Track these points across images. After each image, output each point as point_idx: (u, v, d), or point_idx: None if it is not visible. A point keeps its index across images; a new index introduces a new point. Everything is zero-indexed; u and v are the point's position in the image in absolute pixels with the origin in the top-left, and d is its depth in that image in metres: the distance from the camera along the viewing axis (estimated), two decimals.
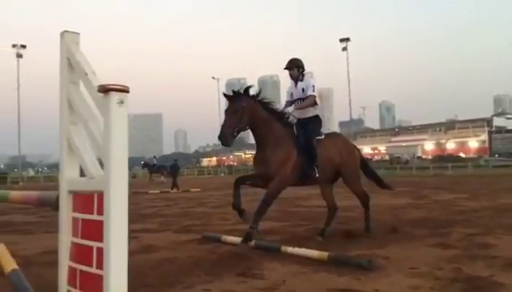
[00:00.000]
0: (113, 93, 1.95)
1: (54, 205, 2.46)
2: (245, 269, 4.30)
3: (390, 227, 6.43)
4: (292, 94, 5.93)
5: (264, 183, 5.40)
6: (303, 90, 5.74)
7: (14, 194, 3.43)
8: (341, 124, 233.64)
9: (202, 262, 4.64)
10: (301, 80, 5.79)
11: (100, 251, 2.02)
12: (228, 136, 4.97)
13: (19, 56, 52.72)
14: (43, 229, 8.16)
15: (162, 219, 9.33)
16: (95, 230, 2.07)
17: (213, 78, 74.67)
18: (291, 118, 5.62)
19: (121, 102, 1.98)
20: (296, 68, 5.77)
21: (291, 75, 5.79)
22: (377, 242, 5.49)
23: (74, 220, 2.29)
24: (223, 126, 5.02)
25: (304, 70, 5.81)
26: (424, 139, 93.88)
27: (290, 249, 4.93)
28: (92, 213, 2.12)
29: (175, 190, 20.76)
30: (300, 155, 5.41)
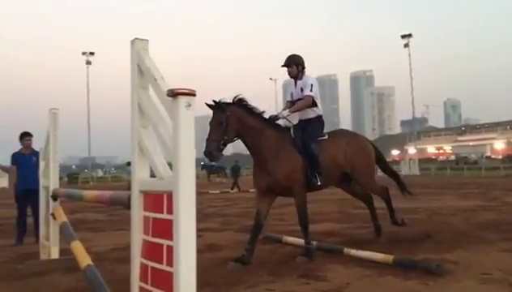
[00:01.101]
0: (181, 97, 2.02)
1: (126, 204, 2.59)
2: (307, 271, 4.28)
3: (459, 230, 6.13)
4: (292, 94, 5.53)
5: (275, 193, 5.15)
6: (301, 90, 5.28)
7: (88, 193, 3.65)
8: (403, 123, 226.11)
9: (264, 262, 4.68)
10: (300, 79, 5.32)
11: (169, 248, 2.10)
12: (213, 151, 4.63)
13: (88, 63, 55.88)
14: (113, 227, 8.61)
15: (223, 219, 9.51)
16: (165, 229, 2.16)
17: (270, 79, 74.93)
18: (283, 122, 5.23)
19: (189, 105, 2.05)
20: (294, 65, 5.28)
21: (289, 72, 5.33)
22: (445, 246, 5.25)
23: (145, 218, 2.40)
24: (207, 140, 4.69)
25: (304, 68, 5.33)
26: (493, 138, 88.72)
27: (353, 251, 4.84)
28: (162, 212, 2.21)
29: (235, 190, 21.04)
30: (303, 159, 5.04)
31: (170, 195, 2.10)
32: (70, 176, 50.88)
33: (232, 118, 4.72)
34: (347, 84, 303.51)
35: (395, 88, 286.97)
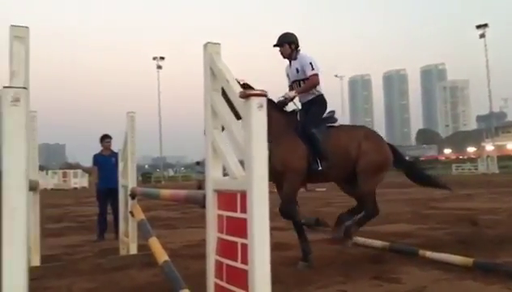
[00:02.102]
0: (253, 98, 2.05)
1: (201, 203, 2.68)
2: (380, 273, 4.17)
3: None
4: (288, 76, 5.11)
5: (276, 182, 4.83)
6: (297, 71, 4.87)
7: (164, 192, 3.81)
8: (479, 118, 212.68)
9: (334, 262, 4.62)
10: (295, 59, 4.90)
11: (244, 246, 2.15)
12: None
13: (159, 67, 58.36)
14: (185, 224, 8.94)
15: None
16: (239, 227, 2.20)
17: (336, 76, 73.81)
18: (289, 104, 4.88)
19: (261, 106, 2.08)
20: (287, 44, 4.86)
21: (281, 52, 4.93)
22: None
23: (219, 217, 2.46)
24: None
25: (297, 47, 4.91)
26: None
27: (429, 253, 4.64)
28: (236, 211, 2.25)
29: (302, 189, 20.92)
30: (305, 144, 4.66)
31: (244, 194, 2.14)
32: (144, 175, 53.51)
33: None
34: (416, 79, 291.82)
35: (470, 82, 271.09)
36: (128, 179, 5.11)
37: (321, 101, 4.94)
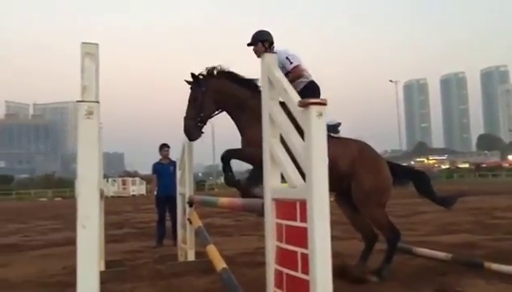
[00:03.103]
0: (312, 107, 2.06)
1: (260, 212, 2.70)
2: (443, 285, 4.00)
3: None
4: None
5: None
6: None
7: (222, 200, 3.88)
8: None
9: (395, 273, 4.48)
10: None
11: (304, 256, 2.14)
12: (190, 129, 4.29)
13: None
14: (239, 231, 9.03)
15: (344, 226, 9.31)
16: (298, 236, 2.20)
17: (390, 81, 72.03)
18: None
19: (321, 115, 2.07)
20: (260, 43, 4.62)
21: (255, 51, 4.69)
22: None
23: (278, 225, 2.47)
24: (184, 118, 4.38)
25: (272, 44, 4.67)
26: None
27: (495, 265, 4.39)
28: (295, 220, 2.25)
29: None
30: None
31: (303, 203, 2.13)
32: (198, 183, 54.64)
33: (209, 92, 4.33)
34: (476, 82, 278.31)
35: None
36: (186, 187, 5.24)
37: (313, 88, 4.62)
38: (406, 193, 5.82)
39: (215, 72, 4.42)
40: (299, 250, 2.19)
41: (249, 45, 4.69)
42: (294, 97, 2.27)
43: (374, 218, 4.56)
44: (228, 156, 4.25)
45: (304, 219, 2.14)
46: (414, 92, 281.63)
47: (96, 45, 2.30)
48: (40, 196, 48.98)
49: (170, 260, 5.52)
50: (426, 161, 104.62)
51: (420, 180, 5.02)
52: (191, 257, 5.20)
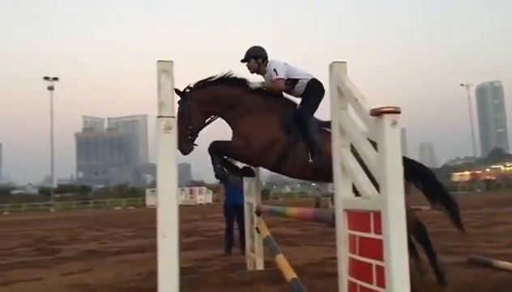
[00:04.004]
0: (385, 116, 2.01)
1: (330, 222, 2.67)
2: None
3: None
4: None
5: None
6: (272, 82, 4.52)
7: (291, 210, 3.88)
8: None
9: (475, 288, 4.23)
10: (264, 73, 4.56)
11: (379, 268, 2.08)
12: (181, 143, 4.21)
13: None
14: (306, 241, 8.96)
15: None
16: (373, 248, 2.14)
17: (461, 85, 68.45)
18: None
19: (394, 123, 2.02)
20: (253, 59, 4.56)
21: (248, 68, 4.64)
22: None
23: (351, 237, 2.42)
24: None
25: (265, 60, 4.57)
26: None
27: None
28: (369, 232, 2.20)
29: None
30: (285, 131, 4.21)
31: (377, 215, 2.08)
32: (262, 192, 54.84)
33: (194, 105, 4.35)
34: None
35: None
36: (253, 197, 5.30)
37: (314, 86, 4.47)
38: (480, 201, 5.45)
39: (201, 84, 4.46)
40: (374, 262, 2.14)
41: (242, 61, 4.68)
42: (366, 106, 2.23)
43: None
44: (214, 149, 4.32)
45: (378, 231, 2.09)
46: (488, 96, 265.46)
47: (171, 62, 2.41)
48: (115, 205, 51.74)
49: (239, 269, 5.59)
50: (503, 168, 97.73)
51: (423, 176, 4.50)
52: (260, 266, 5.24)
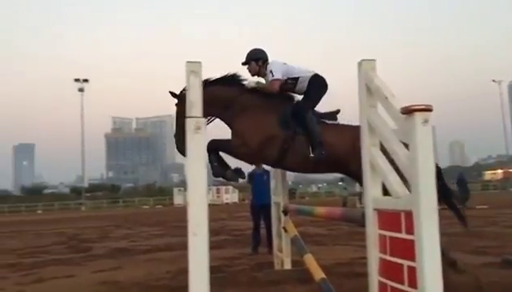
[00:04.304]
0: (417, 114, 1.98)
1: (360, 222, 2.65)
2: None
3: None
4: None
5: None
6: None
7: (319, 209, 3.87)
8: None
9: (508, 290, 4.11)
10: (265, 75, 4.58)
11: (411, 269, 2.05)
12: (181, 146, 4.25)
13: None
14: (333, 241, 8.89)
15: (447, 238, 8.76)
16: (404, 249, 2.11)
17: (493, 81, 66.46)
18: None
19: (426, 122, 1.99)
20: (253, 62, 4.58)
21: (249, 70, 4.64)
22: None
23: (381, 237, 2.39)
24: (174, 136, 4.51)
25: (266, 62, 4.59)
26: None
27: None
28: (400, 232, 2.17)
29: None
30: (282, 126, 4.22)
31: (409, 214, 2.05)
32: (289, 192, 54.81)
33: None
34: None
35: None
36: (280, 196, 5.30)
37: (315, 81, 4.50)
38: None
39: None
40: (405, 262, 2.11)
41: (243, 64, 4.71)
42: (396, 104, 2.20)
43: None
44: (212, 147, 4.33)
45: (410, 231, 2.06)
46: None
47: (200, 63, 2.44)
48: (143, 204, 52.64)
49: (267, 268, 5.60)
50: None
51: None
52: (287, 266, 5.23)
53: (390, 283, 2.26)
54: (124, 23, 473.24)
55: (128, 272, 6.15)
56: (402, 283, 2.13)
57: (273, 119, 4.28)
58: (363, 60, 2.57)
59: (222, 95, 4.41)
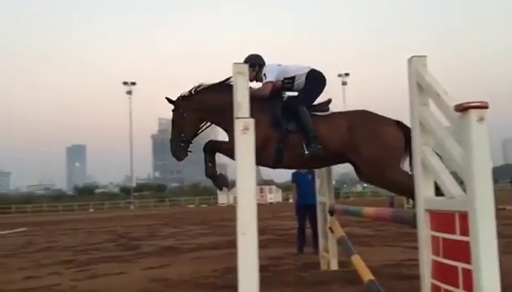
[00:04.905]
0: (472, 111, 1.91)
1: (411, 223, 2.58)
2: None
3: None
4: None
5: None
6: None
7: (367, 210, 3.80)
8: None
9: None
10: (261, 80, 4.65)
11: (466, 272, 1.98)
12: (176, 151, 4.54)
13: (344, 84, 58.84)
14: (380, 242, 8.70)
15: (504, 240, 8.37)
16: (459, 250, 2.04)
17: None
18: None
19: (482, 119, 1.91)
20: (250, 67, 4.33)
21: None
22: None
23: (434, 238, 2.32)
24: (169, 141, 4.65)
25: (262, 66, 4.68)
26: None
27: None
28: (454, 233, 2.10)
29: None
30: (274, 126, 4.30)
31: (464, 215, 1.99)
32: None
33: (186, 113, 4.55)
34: None
35: None
36: (326, 196, 5.26)
37: (311, 76, 4.56)
38: None
39: (192, 92, 4.63)
40: (460, 265, 2.04)
41: None
42: (449, 101, 2.13)
43: (394, 181, 4.17)
44: (209, 148, 4.51)
45: (465, 232, 1.99)
46: None
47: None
48: (189, 203, 53.72)
49: (313, 268, 5.57)
50: None
51: None
52: (334, 266, 5.19)
53: (443, 286, 2.19)
54: (174, 24, 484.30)
55: (176, 270, 6.30)
56: (457, 286, 2.06)
57: (266, 120, 4.33)
58: (413, 56, 2.51)
59: (216, 100, 4.51)
